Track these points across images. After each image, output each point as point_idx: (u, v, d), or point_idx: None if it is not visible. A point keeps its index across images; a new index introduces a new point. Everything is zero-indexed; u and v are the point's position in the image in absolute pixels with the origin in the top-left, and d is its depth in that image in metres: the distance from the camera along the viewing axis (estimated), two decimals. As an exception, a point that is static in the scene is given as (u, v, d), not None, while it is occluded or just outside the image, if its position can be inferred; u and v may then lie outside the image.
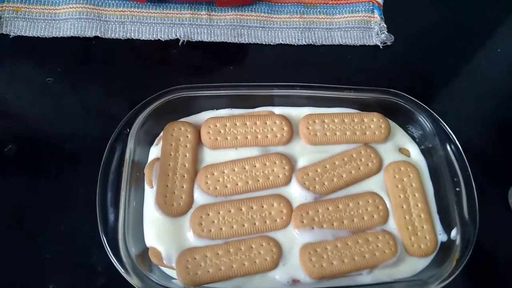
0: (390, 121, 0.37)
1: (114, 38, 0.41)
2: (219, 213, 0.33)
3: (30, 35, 0.41)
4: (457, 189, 0.34)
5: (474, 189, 0.33)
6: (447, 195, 0.34)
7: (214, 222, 0.32)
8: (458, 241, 0.32)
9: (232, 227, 0.32)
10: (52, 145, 0.37)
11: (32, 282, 0.33)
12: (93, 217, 0.31)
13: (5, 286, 0.32)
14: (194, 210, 0.33)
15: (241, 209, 0.33)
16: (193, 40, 0.42)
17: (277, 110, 0.37)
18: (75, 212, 0.34)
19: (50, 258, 0.33)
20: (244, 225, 0.32)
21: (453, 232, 0.32)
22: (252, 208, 0.33)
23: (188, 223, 0.32)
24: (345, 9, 0.46)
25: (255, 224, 0.32)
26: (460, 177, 0.34)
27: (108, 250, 0.30)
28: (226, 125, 0.35)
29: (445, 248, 0.32)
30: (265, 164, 0.34)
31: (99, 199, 0.31)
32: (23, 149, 0.36)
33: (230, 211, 0.33)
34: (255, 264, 0.31)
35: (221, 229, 0.32)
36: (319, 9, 0.46)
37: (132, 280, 0.29)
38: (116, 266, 0.30)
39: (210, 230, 0.32)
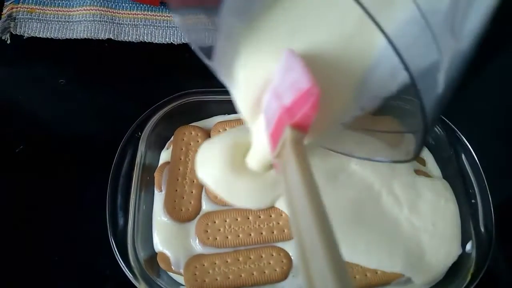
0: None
1: (127, 40, 0.41)
2: (226, 221, 0.32)
3: (44, 37, 0.41)
4: (473, 201, 0.33)
5: (491, 201, 0.32)
6: (462, 207, 0.33)
7: (220, 230, 0.32)
8: (473, 255, 0.31)
9: (238, 236, 0.32)
10: (63, 147, 0.37)
11: (39, 285, 0.32)
12: (103, 220, 0.31)
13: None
14: (200, 217, 0.32)
15: (248, 218, 0.32)
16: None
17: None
18: (85, 215, 0.34)
19: (58, 260, 0.33)
20: (250, 235, 0.32)
21: (468, 246, 0.32)
22: (260, 217, 0.32)
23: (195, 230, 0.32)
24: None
25: (262, 233, 0.32)
26: (476, 189, 0.33)
27: (116, 254, 0.30)
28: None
29: (460, 262, 0.32)
30: None
31: (109, 202, 0.31)
32: (34, 150, 0.36)
33: (237, 220, 0.32)
34: (264, 274, 0.30)
35: (227, 237, 0.31)
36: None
37: (140, 285, 0.29)
38: (125, 270, 0.29)
39: (216, 238, 0.31)
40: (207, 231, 0.31)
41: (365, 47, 0.23)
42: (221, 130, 0.35)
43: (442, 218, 0.32)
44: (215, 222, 0.32)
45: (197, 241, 0.31)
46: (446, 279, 0.31)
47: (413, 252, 0.31)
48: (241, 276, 0.30)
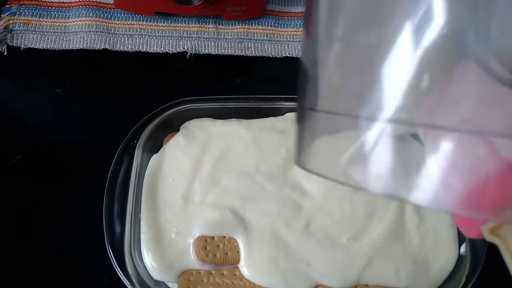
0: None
1: (123, 50, 0.42)
2: (225, 236, 0.31)
3: (40, 48, 0.41)
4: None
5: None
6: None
7: (219, 246, 0.31)
8: (468, 257, 0.31)
9: (238, 252, 0.31)
10: (60, 157, 0.37)
11: (37, 294, 0.33)
12: (100, 228, 0.31)
13: (10, 297, 0.32)
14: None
15: None
16: (201, 53, 0.42)
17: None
18: (82, 224, 0.34)
19: (55, 269, 0.33)
20: None
21: (463, 248, 0.32)
22: None
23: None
24: (351, 22, 0.46)
25: None
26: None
27: (114, 262, 0.30)
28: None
29: (455, 264, 0.32)
30: None
31: (106, 210, 0.31)
32: (31, 160, 0.36)
33: None
34: None
35: (227, 254, 0.30)
36: (325, 23, 0.46)
37: (138, 293, 0.29)
38: (122, 278, 0.30)
39: (215, 255, 0.30)
40: (206, 248, 0.30)
41: None
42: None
43: (440, 221, 0.32)
44: (213, 238, 0.31)
45: (194, 258, 0.30)
46: (441, 281, 0.32)
47: (421, 266, 0.31)
48: None
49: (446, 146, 0.16)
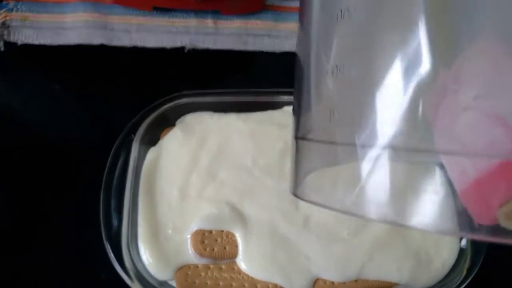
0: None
1: (120, 46, 0.42)
2: (223, 230, 0.31)
3: (37, 43, 0.41)
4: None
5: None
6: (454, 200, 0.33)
7: (217, 240, 0.30)
8: (468, 250, 0.31)
9: (236, 246, 0.30)
10: (57, 151, 0.37)
11: (34, 290, 0.32)
12: (97, 224, 0.30)
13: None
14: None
15: None
16: (199, 48, 0.42)
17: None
18: (79, 219, 0.34)
19: (52, 265, 0.32)
20: None
21: (463, 241, 0.32)
22: None
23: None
24: (350, 17, 0.46)
25: None
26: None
27: (111, 257, 0.30)
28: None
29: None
30: None
31: (103, 204, 0.31)
32: (29, 156, 0.36)
33: None
34: None
35: (225, 248, 0.30)
36: (324, 17, 0.46)
37: (135, 286, 0.29)
38: (120, 273, 0.29)
39: (213, 249, 0.30)
40: (204, 242, 0.30)
41: None
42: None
43: None
44: (211, 232, 0.31)
45: (192, 252, 0.30)
46: (441, 275, 0.31)
47: (423, 262, 0.30)
48: (231, 285, 0.29)
49: (461, 128, 0.16)
